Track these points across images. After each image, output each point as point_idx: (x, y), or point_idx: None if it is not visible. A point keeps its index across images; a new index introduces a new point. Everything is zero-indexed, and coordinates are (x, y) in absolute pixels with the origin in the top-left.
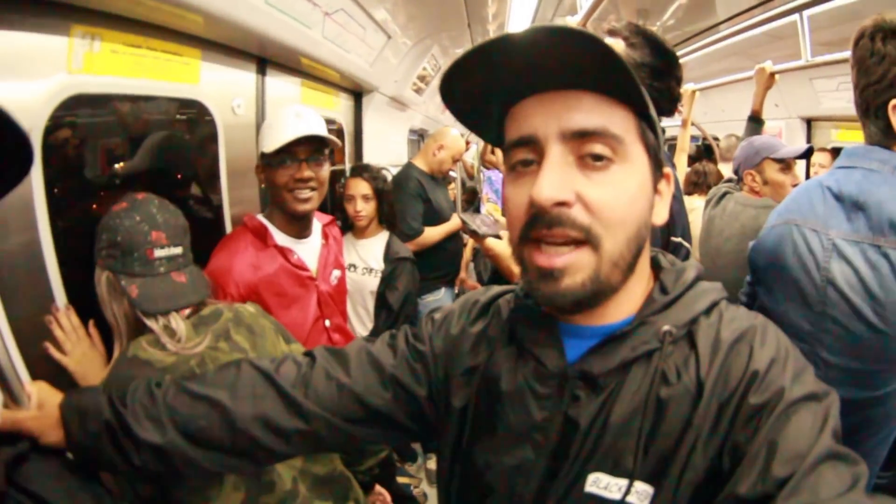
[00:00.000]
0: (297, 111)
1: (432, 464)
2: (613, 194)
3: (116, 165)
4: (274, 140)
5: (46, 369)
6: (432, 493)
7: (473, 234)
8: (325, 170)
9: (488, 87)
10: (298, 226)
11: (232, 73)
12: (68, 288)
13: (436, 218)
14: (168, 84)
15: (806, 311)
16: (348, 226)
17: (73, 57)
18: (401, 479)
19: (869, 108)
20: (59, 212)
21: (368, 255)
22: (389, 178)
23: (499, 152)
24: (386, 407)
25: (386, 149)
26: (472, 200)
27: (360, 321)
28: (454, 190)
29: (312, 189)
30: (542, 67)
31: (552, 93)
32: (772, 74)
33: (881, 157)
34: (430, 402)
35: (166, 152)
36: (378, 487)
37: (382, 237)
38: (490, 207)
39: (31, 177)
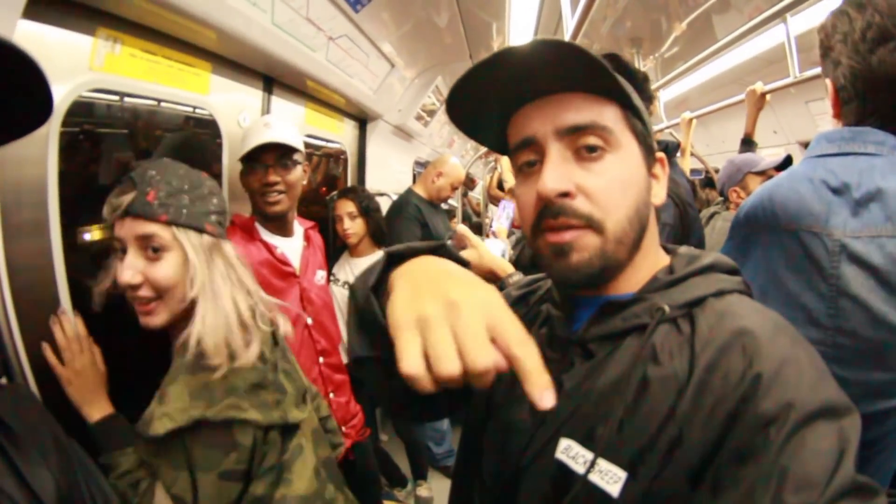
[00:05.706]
0: (266, 121)
1: (423, 490)
2: (609, 180)
3: (124, 160)
4: (245, 148)
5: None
6: None
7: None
8: (293, 175)
9: (491, 98)
10: (276, 224)
11: (240, 88)
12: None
13: None
14: (179, 91)
15: (810, 329)
16: (346, 245)
17: (96, 56)
18: None
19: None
20: (68, 188)
21: None
22: (390, 203)
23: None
24: None
25: (390, 177)
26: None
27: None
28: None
29: (280, 192)
30: (537, 76)
31: (546, 98)
32: (762, 95)
33: (876, 138)
34: None
35: (175, 155)
36: None
37: (376, 256)
38: (497, 229)
39: (48, 160)
